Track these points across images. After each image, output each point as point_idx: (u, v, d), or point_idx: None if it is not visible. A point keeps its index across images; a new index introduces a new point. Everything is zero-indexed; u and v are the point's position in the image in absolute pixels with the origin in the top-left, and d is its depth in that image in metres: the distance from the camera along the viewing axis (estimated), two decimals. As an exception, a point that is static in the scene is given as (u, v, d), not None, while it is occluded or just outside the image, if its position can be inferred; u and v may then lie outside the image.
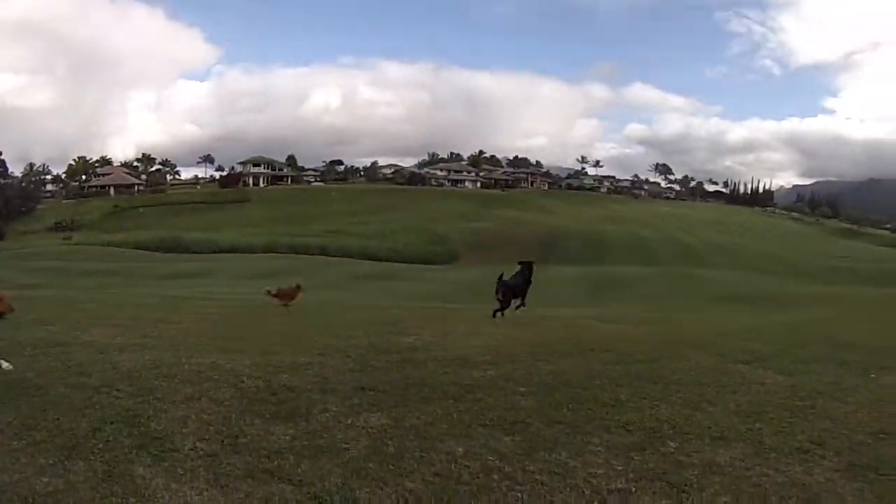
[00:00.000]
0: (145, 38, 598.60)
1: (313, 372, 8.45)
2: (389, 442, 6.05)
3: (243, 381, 7.80)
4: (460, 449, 5.92)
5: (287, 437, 6.09)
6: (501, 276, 16.67)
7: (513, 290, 16.55)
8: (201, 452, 5.66)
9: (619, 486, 5.26)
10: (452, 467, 5.53)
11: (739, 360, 10.15)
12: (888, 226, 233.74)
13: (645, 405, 7.37)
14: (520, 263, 17.26)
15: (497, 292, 16.39)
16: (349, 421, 6.57)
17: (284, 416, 6.66)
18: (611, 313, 21.78)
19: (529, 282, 16.92)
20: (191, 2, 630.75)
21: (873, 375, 9.42)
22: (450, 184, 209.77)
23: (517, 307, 16.51)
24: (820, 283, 66.88)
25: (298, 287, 17.83)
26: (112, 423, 6.15)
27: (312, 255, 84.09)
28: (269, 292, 17.53)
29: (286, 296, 17.23)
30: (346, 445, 5.95)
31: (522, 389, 7.86)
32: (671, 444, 6.20)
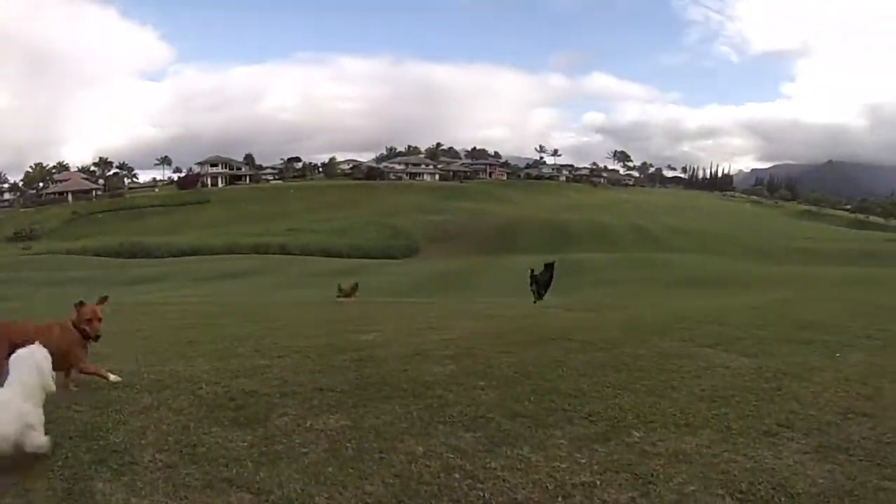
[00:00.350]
0: (99, 38, 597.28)
1: (272, 375, 8.32)
2: (348, 444, 5.94)
3: (202, 388, 7.65)
4: (420, 448, 5.81)
5: (245, 444, 5.96)
6: (532, 271, 21.73)
7: (546, 284, 21.56)
8: (160, 464, 5.53)
9: (584, 479, 5.17)
10: (413, 467, 5.42)
11: (703, 344, 10.12)
12: (848, 206, 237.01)
13: (608, 394, 7.29)
14: (545, 265, 21.87)
15: (534, 284, 21.66)
16: (308, 424, 6.46)
17: (243, 422, 6.53)
18: (573, 301, 21.95)
19: (552, 278, 21.97)
20: (143, 0, 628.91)
21: (838, 355, 9.44)
22: (408, 177, 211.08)
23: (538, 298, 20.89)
24: (782, 264, 67.43)
25: (356, 285, 24.55)
26: (71, 437, 6.00)
27: (273, 254, 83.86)
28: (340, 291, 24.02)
29: (348, 293, 23.33)
30: (305, 450, 5.84)
31: (483, 383, 7.76)
32: (636, 433, 6.12)
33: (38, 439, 5.43)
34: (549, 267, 22.19)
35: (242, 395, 7.34)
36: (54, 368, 6.12)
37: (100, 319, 7.48)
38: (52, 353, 6.15)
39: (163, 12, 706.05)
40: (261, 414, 6.74)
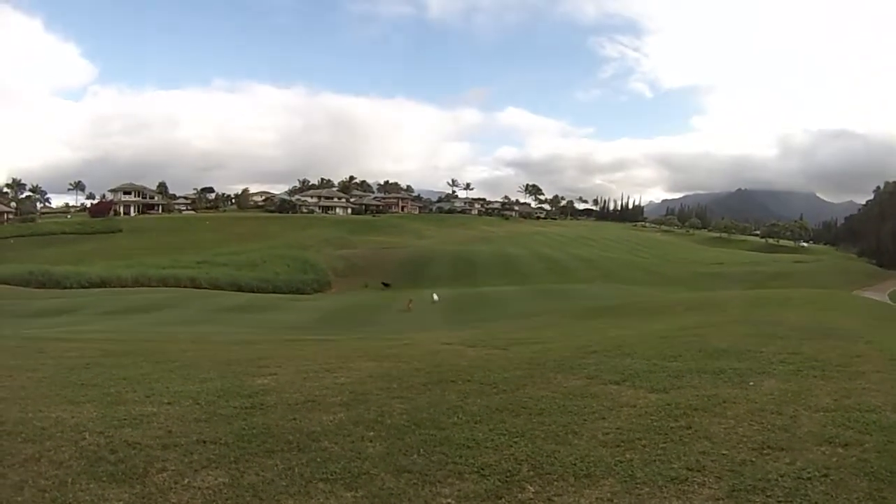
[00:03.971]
0: (20, 50, 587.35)
1: (158, 423, 7.86)
2: (223, 505, 5.55)
3: (85, 438, 7.22)
4: (296, 511, 5.43)
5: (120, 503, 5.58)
6: (386, 284, 71.75)
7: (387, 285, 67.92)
8: (33, 525, 5.14)
9: (468, 548, 4.78)
10: (286, 535, 4.99)
11: (609, 381, 9.89)
12: (757, 232, 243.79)
13: (503, 443, 6.96)
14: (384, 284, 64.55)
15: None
16: (185, 481, 6.06)
17: (121, 477, 6.13)
18: (479, 335, 21.44)
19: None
20: (69, 15, 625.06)
21: (752, 383, 9.37)
22: (321, 210, 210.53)
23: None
24: (691, 289, 68.22)
25: (410, 303, 44.31)
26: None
27: (183, 287, 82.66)
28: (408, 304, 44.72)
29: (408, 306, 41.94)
30: (180, 511, 5.43)
31: (372, 434, 7.40)
32: (530, 488, 5.80)
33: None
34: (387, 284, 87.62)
35: (125, 447, 6.94)
36: None
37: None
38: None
39: (87, 29, 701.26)
40: (140, 468, 6.36)
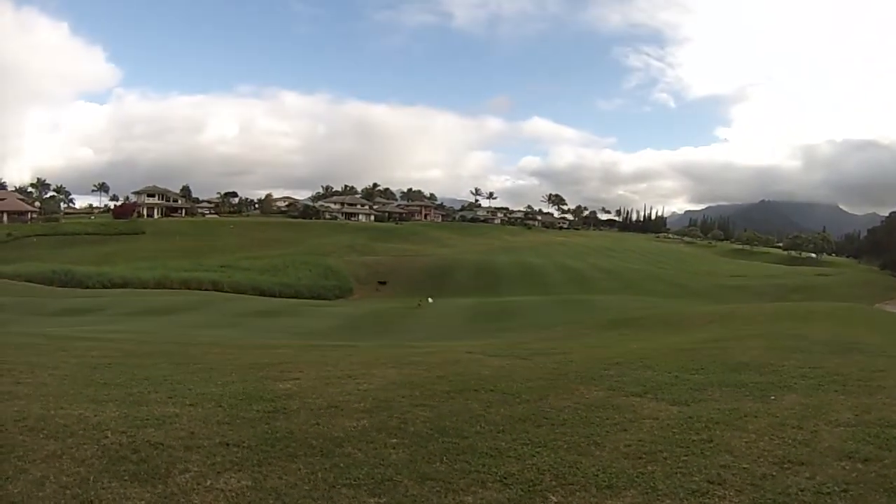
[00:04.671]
0: (47, 53, 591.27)
1: (180, 425, 7.89)
2: (246, 508, 5.55)
3: (107, 437, 7.27)
4: (319, 516, 5.41)
5: (142, 503, 5.61)
6: (384, 281, 75.39)
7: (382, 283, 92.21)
8: (55, 521, 5.16)
9: (490, 556, 4.79)
10: (308, 540, 5.01)
11: (631, 393, 9.87)
12: (780, 244, 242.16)
13: (526, 453, 6.95)
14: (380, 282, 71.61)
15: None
16: (208, 483, 6.08)
17: (143, 476, 6.16)
18: (501, 345, 21.35)
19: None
20: (95, 19, 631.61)
21: (773, 397, 9.36)
22: (344, 217, 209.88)
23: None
24: (713, 302, 67.80)
25: (420, 302, 54.70)
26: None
27: (205, 290, 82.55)
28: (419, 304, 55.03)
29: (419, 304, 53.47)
30: (201, 513, 5.42)
31: (395, 441, 7.40)
32: (552, 497, 5.80)
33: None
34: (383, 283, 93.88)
35: (147, 447, 6.99)
36: None
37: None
38: None
39: (113, 33, 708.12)
40: (162, 469, 6.39)
